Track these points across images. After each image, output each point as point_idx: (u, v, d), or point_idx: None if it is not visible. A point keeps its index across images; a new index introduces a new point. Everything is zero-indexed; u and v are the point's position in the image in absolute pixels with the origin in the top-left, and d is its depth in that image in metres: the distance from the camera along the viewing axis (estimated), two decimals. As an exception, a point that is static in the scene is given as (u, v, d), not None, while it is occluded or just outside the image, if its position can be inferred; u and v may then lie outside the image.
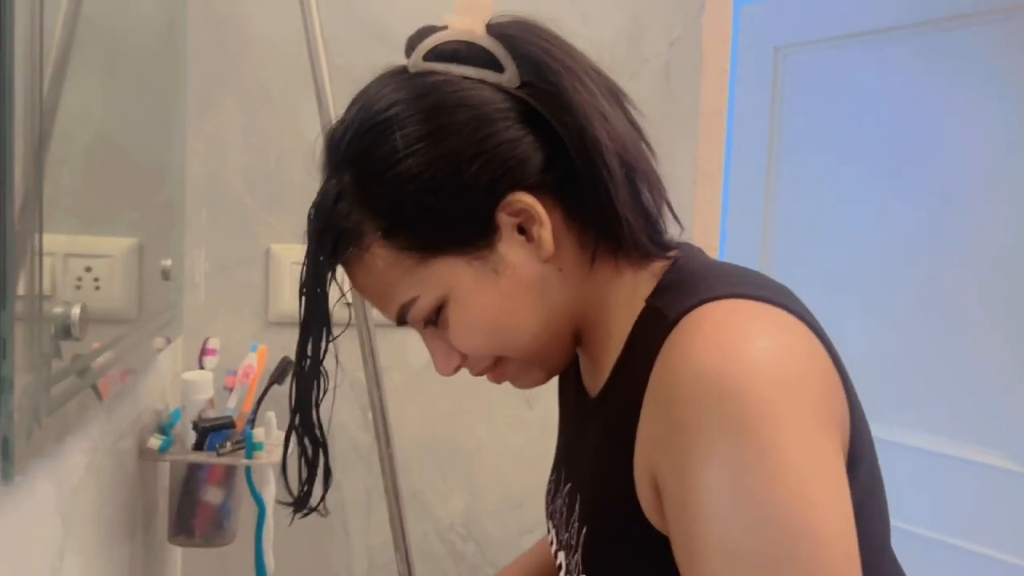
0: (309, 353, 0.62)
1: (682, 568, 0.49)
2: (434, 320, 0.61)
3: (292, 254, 1.21)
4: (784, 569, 0.44)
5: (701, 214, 1.34)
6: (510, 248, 0.58)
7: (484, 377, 0.66)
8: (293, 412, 0.64)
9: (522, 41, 0.58)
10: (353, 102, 0.61)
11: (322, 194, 0.60)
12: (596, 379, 0.64)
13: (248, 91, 1.19)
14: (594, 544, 0.60)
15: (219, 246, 1.20)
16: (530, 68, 0.57)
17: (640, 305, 0.59)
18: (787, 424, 0.46)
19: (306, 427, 0.64)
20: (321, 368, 0.63)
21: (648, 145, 0.62)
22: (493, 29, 0.59)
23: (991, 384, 1.70)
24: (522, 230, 0.58)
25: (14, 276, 0.50)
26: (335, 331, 0.63)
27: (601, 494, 0.60)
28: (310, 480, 0.66)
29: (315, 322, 0.62)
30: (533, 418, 1.32)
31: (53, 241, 0.57)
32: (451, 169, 0.55)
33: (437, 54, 0.58)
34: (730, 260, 0.68)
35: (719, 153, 1.34)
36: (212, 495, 1.00)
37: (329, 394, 0.65)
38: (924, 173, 1.80)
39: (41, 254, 0.55)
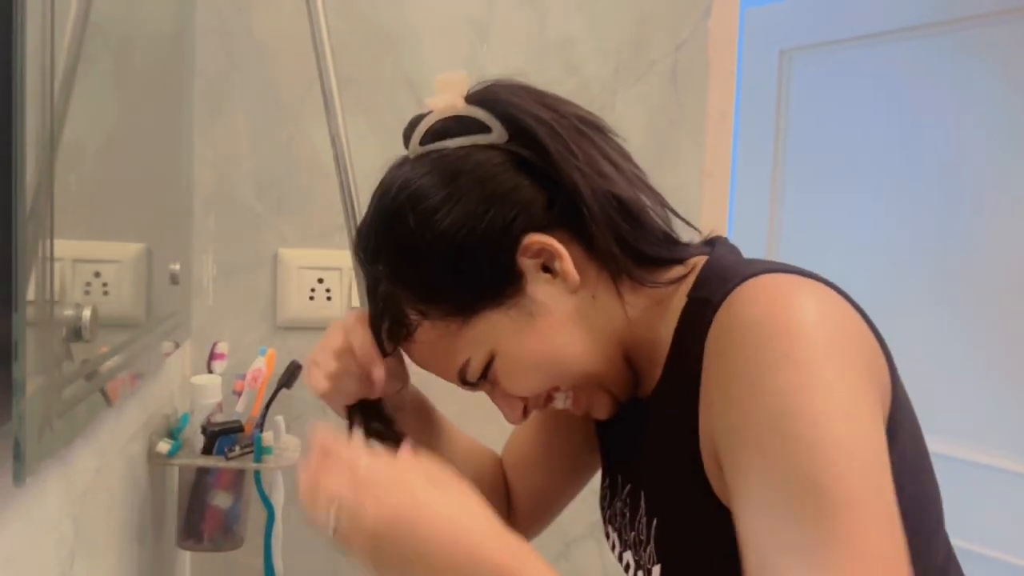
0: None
1: (733, 506, 0.51)
2: (486, 376, 0.65)
3: (300, 258, 1.21)
4: (827, 491, 0.46)
5: (708, 217, 1.33)
6: (538, 288, 0.62)
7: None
8: None
9: (500, 102, 0.63)
10: (372, 196, 0.66)
11: (371, 285, 0.66)
12: (646, 382, 0.66)
13: (256, 97, 1.19)
14: (667, 532, 0.63)
15: (227, 250, 1.21)
16: (511, 124, 0.62)
17: (682, 302, 0.62)
18: (831, 361, 0.50)
19: None
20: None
21: (635, 165, 0.66)
22: (472, 98, 0.65)
23: (1004, 387, 1.70)
24: (547, 268, 0.62)
25: (25, 279, 0.50)
26: None
27: (670, 482, 0.62)
28: None
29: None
30: (541, 422, 1.31)
31: (62, 247, 0.57)
32: (466, 229, 0.60)
33: (430, 135, 0.64)
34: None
35: (726, 156, 1.34)
36: (221, 499, 1.00)
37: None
38: (932, 175, 1.80)
39: (52, 259, 0.55)
